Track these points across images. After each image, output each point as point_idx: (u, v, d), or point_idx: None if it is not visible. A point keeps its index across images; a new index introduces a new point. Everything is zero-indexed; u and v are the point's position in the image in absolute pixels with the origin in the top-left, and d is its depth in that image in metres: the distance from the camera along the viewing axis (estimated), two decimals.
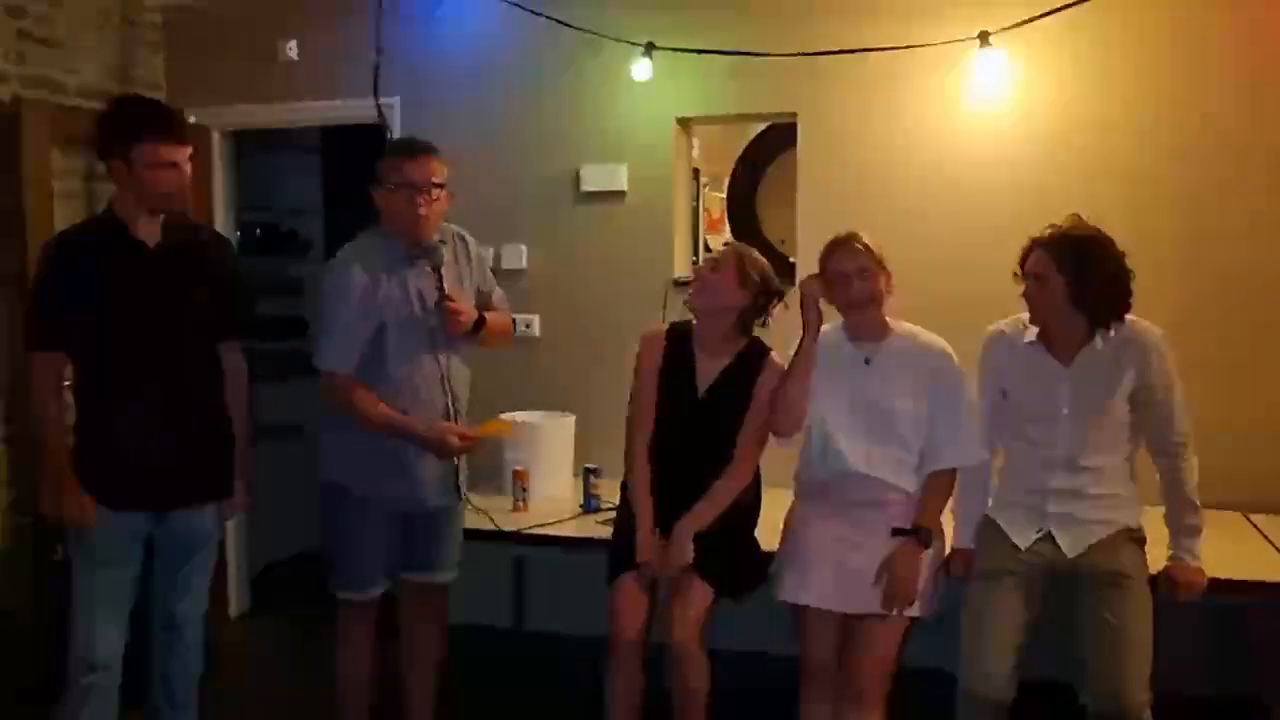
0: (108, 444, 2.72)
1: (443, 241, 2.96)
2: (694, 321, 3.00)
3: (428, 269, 2.89)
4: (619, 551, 3.00)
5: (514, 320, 3.25)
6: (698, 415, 2.95)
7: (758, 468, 3.00)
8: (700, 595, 2.86)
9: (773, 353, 2.97)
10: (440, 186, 2.86)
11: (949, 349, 2.81)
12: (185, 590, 2.87)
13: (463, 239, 3.08)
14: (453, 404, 2.96)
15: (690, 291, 2.99)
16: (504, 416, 3.83)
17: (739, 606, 2.96)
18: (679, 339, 3.01)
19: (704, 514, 2.89)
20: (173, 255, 2.76)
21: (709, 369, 2.96)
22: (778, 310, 2.97)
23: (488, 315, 3.01)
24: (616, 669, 2.93)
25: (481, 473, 3.55)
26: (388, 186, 2.85)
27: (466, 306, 2.93)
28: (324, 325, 2.89)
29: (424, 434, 2.86)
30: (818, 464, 2.83)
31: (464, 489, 3.06)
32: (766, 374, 2.92)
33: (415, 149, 2.88)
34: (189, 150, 2.73)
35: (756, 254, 3.00)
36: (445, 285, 2.88)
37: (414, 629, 3.16)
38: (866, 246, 2.75)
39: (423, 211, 2.83)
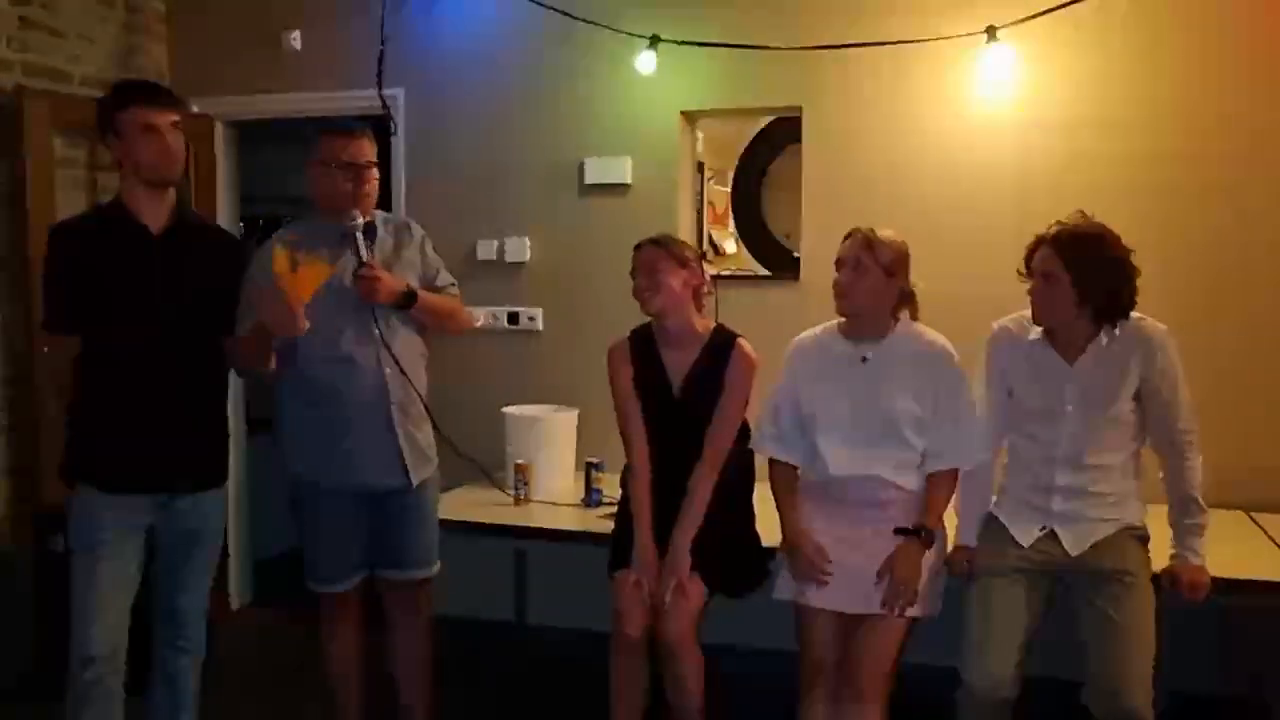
0: (107, 427, 2.72)
1: (373, 223, 2.95)
2: (654, 323, 3.00)
3: (357, 237, 2.87)
4: (621, 544, 2.99)
5: (510, 314, 3.18)
6: (677, 414, 2.95)
7: (749, 452, 3.00)
8: (694, 592, 2.86)
9: (740, 339, 2.96)
10: (369, 166, 2.91)
11: (950, 348, 2.79)
12: (187, 583, 2.87)
13: (406, 225, 3.08)
14: (402, 375, 2.91)
15: (647, 305, 2.94)
16: (506, 410, 3.83)
17: (741, 602, 2.96)
18: (643, 343, 3.01)
19: (690, 520, 2.88)
20: (178, 241, 2.76)
21: (679, 365, 2.96)
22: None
23: (423, 291, 2.96)
24: (619, 664, 2.93)
25: (481, 464, 3.54)
26: (321, 162, 2.89)
27: (387, 275, 2.88)
28: (242, 298, 2.84)
29: (263, 320, 2.70)
30: (806, 467, 2.85)
31: (414, 473, 2.97)
32: (735, 362, 2.92)
33: (354, 130, 2.93)
34: (173, 116, 2.72)
35: (656, 236, 3.02)
36: (365, 254, 2.86)
37: (396, 627, 3.15)
38: (870, 241, 2.74)
39: (365, 189, 2.89)
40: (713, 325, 3.00)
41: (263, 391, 4.88)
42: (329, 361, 2.86)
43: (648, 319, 3.00)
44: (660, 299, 2.92)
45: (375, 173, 2.94)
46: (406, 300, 2.90)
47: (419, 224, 3.12)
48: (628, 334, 3.06)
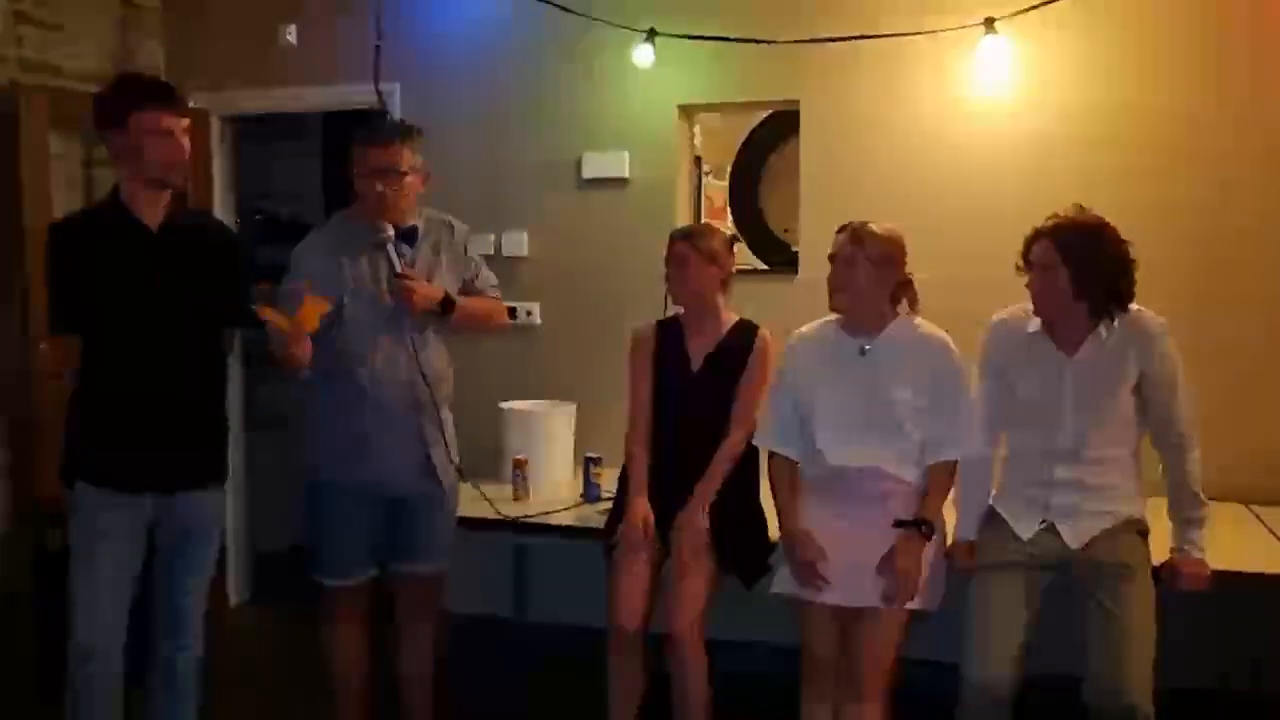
0: (106, 424, 2.72)
1: (415, 227, 2.96)
2: (680, 313, 3.08)
3: (389, 247, 2.87)
4: (618, 520, 3.03)
5: (509, 309, 3.17)
6: (693, 389, 2.99)
7: (753, 448, 3.01)
8: (702, 577, 2.87)
9: (762, 329, 3.02)
10: (405, 173, 2.87)
11: (949, 340, 2.79)
12: (186, 579, 2.86)
13: (449, 226, 3.06)
14: (426, 382, 2.92)
15: (674, 298, 3.05)
16: (504, 405, 3.82)
17: (742, 596, 2.95)
18: (669, 328, 3.09)
19: (709, 482, 2.93)
20: (176, 238, 2.76)
21: (700, 348, 3.03)
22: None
23: (461, 297, 2.97)
24: (617, 657, 2.93)
25: (479, 460, 3.53)
26: (358, 172, 2.88)
27: (423, 284, 2.89)
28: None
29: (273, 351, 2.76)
30: (806, 461, 2.84)
31: (443, 475, 2.99)
32: (758, 347, 3.00)
33: (381, 136, 2.90)
34: (186, 122, 2.72)
35: (695, 225, 3.16)
36: (398, 263, 2.86)
37: (405, 621, 3.15)
38: (860, 236, 2.73)
39: (386, 195, 2.85)
40: (735, 318, 3.07)
41: (265, 387, 4.89)
42: (362, 370, 2.88)
43: (649, 312, 3.03)
44: (686, 294, 3.01)
45: (411, 179, 2.89)
46: (444, 308, 2.91)
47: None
48: (654, 321, 3.13)
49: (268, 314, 2.66)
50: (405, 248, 2.92)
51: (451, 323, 2.98)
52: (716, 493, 2.95)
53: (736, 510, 2.98)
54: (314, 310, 2.69)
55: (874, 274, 2.73)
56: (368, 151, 2.87)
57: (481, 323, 3.11)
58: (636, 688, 2.94)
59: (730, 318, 3.07)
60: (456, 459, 3.06)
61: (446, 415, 3.02)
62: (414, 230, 2.96)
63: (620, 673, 2.93)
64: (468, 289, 3.05)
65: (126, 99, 2.68)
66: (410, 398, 2.92)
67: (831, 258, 2.79)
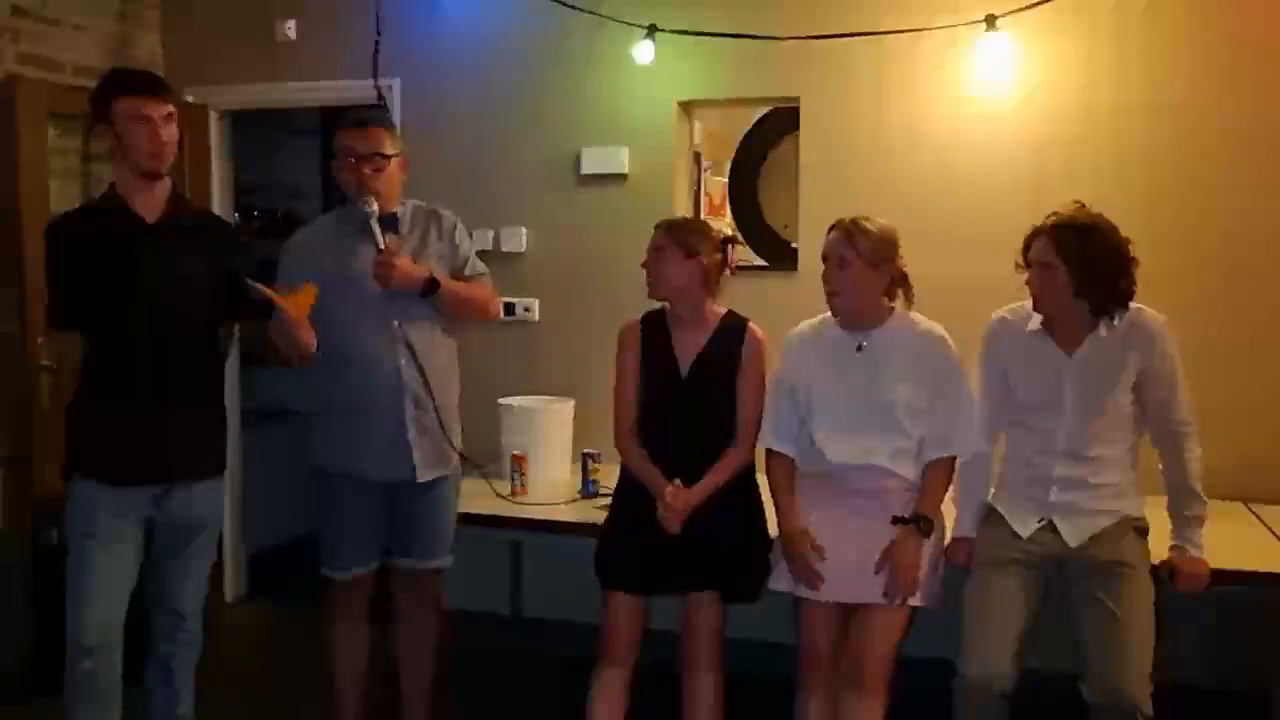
0: (106, 419, 2.72)
1: (395, 214, 2.98)
2: (666, 306, 2.98)
3: (371, 223, 2.88)
4: (608, 560, 2.96)
5: (507, 304, 3.17)
6: (683, 395, 2.92)
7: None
8: (713, 615, 2.88)
9: (751, 323, 2.94)
10: (386, 156, 2.93)
11: (947, 336, 2.79)
12: (185, 574, 2.87)
13: (436, 215, 3.07)
14: (419, 371, 2.92)
15: (648, 290, 2.94)
16: (502, 401, 3.81)
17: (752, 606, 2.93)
18: (655, 324, 2.99)
19: (711, 480, 2.84)
20: (174, 231, 2.76)
21: (688, 347, 2.92)
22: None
23: (447, 279, 2.96)
24: (602, 685, 2.90)
25: (477, 457, 3.52)
26: (342, 160, 2.95)
27: (404, 262, 2.88)
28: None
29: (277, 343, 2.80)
30: (804, 458, 2.83)
31: (427, 469, 2.98)
32: (748, 344, 2.90)
33: (357, 121, 2.99)
34: (167, 108, 2.72)
35: (681, 218, 3.11)
36: (380, 239, 2.87)
37: (406, 617, 3.15)
38: (851, 234, 2.71)
39: (368, 179, 2.91)
40: (723, 311, 2.97)
41: (261, 382, 4.89)
42: (349, 353, 2.89)
43: (647, 309, 3.00)
44: (662, 288, 2.92)
45: (386, 163, 2.94)
46: (428, 288, 2.90)
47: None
48: (640, 316, 3.03)
49: (270, 292, 2.68)
50: (383, 228, 2.93)
51: (438, 304, 2.95)
52: (717, 512, 2.86)
53: (738, 537, 2.91)
54: (305, 298, 2.73)
55: (868, 271, 2.72)
56: (344, 135, 2.94)
57: (470, 307, 3.06)
58: (620, 709, 2.92)
59: (717, 313, 2.95)
60: (459, 447, 3.07)
61: (446, 405, 3.01)
62: (394, 217, 2.98)
63: (604, 700, 2.89)
64: (456, 277, 3.04)
65: (107, 91, 2.71)
66: (394, 384, 2.91)
67: (824, 257, 2.77)
